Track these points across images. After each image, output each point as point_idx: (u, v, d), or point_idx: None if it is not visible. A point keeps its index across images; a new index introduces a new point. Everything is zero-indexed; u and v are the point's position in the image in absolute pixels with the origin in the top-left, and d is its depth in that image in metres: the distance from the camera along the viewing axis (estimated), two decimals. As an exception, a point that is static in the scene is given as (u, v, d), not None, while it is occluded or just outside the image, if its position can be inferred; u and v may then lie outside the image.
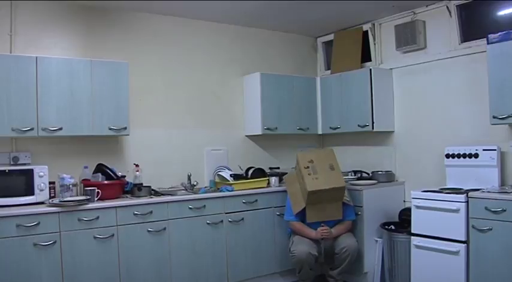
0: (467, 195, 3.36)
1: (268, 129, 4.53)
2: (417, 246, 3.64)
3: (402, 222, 4.02)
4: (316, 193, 3.72)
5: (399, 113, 4.48)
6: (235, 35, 4.75)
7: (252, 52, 4.85)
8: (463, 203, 3.35)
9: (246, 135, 4.76)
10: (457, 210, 3.37)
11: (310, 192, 3.70)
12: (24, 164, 3.49)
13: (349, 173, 4.60)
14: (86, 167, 3.69)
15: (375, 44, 4.66)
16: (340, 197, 3.86)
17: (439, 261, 3.48)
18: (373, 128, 4.34)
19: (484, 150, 3.65)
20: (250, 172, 4.30)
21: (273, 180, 4.33)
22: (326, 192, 3.73)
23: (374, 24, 4.64)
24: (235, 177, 4.18)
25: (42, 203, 3.30)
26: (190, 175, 4.18)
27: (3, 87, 3.24)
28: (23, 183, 3.29)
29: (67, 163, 3.70)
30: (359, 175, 4.62)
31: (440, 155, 3.96)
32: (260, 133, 4.54)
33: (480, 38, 3.75)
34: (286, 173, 4.26)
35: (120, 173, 3.71)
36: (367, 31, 4.71)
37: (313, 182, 3.74)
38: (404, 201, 4.36)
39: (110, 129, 3.64)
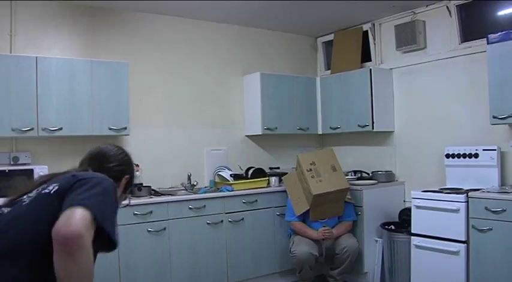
0: (467, 195, 3.36)
1: (268, 129, 4.53)
2: (417, 246, 3.64)
3: (402, 222, 4.01)
4: (321, 196, 3.73)
5: (399, 113, 4.48)
6: (236, 35, 4.74)
7: (252, 52, 4.85)
8: (463, 203, 3.35)
9: (246, 135, 4.76)
10: (457, 210, 3.37)
11: (315, 195, 3.71)
12: (24, 164, 3.49)
13: (349, 173, 4.60)
14: (86, 167, 3.68)
15: (375, 44, 4.66)
16: (343, 197, 3.90)
17: (439, 261, 3.48)
18: (373, 128, 4.33)
19: (484, 150, 3.65)
20: (250, 172, 4.30)
21: (273, 180, 4.33)
22: (330, 194, 3.76)
23: (374, 24, 4.64)
24: (235, 177, 4.18)
25: (42, 203, 3.29)
26: (190, 175, 4.18)
27: (3, 87, 3.24)
28: (23, 183, 3.28)
29: (67, 163, 3.65)
30: (359, 175, 4.62)
31: (440, 155, 3.95)
32: (260, 133, 4.54)
33: (480, 38, 3.75)
34: (286, 173, 4.25)
35: (120, 173, 3.71)
36: (367, 31, 4.70)
37: (317, 185, 3.75)
38: (404, 201, 4.36)
39: (110, 129, 3.65)
